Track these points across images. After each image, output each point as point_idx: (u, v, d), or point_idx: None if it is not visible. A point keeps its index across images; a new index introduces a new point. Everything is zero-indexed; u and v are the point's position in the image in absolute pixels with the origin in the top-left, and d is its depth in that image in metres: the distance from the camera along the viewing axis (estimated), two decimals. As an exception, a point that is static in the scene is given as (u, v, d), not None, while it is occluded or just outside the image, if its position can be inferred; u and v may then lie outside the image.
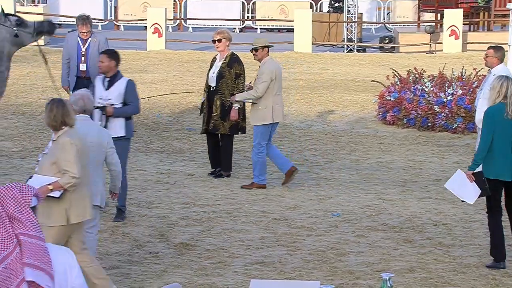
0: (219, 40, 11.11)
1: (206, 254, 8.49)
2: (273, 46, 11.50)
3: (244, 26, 29.07)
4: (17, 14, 9.54)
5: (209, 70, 11.33)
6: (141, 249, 8.55)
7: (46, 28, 9.20)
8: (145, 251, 8.51)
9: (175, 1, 28.74)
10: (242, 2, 28.84)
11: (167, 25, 25.27)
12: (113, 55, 9.20)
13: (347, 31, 24.96)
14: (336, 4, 26.34)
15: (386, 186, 11.13)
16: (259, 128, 10.75)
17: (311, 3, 28.28)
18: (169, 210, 9.84)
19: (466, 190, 8.24)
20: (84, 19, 11.91)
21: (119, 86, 9.18)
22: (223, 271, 8.06)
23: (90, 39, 11.88)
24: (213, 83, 11.16)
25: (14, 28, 8.93)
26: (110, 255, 8.39)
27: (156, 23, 23.62)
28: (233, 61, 11.15)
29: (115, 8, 28.38)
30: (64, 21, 27.53)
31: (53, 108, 6.76)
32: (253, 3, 28.75)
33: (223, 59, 11.14)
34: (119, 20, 27.80)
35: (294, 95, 17.49)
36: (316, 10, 27.93)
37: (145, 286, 7.66)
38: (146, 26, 24.51)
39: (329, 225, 9.51)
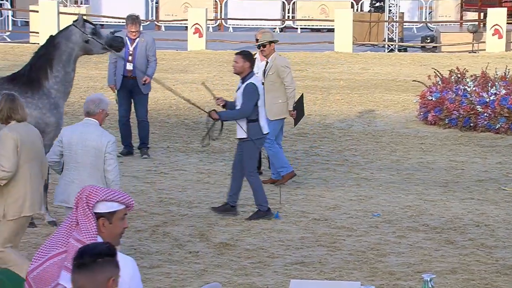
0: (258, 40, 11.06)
1: (245, 254, 8.49)
2: (278, 41, 11.45)
3: (285, 26, 29.04)
4: (93, 22, 9.69)
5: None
6: (182, 249, 8.58)
7: (117, 44, 9.34)
8: (185, 251, 8.54)
9: (216, 1, 28.82)
10: (283, 2, 28.81)
11: (208, 25, 25.35)
12: (247, 56, 9.40)
13: (388, 30, 24.80)
14: (377, 4, 26.19)
15: (427, 187, 11.04)
16: (273, 123, 10.67)
17: (352, 2, 28.16)
18: (209, 209, 9.86)
19: None
20: (134, 19, 12.04)
21: (242, 88, 9.41)
22: (263, 271, 8.05)
23: (138, 39, 11.98)
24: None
25: (89, 36, 9.09)
26: (150, 254, 8.44)
27: (196, 23, 23.70)
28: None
29: (157, 8, 28.53)
30: (106, 22, 27.75)
31: (1, 102, 6.90)
32: (294, 3, 28.70)
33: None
34: (160, 21, 27.95)
35: (334, 95, 17.43)
36: (357, 10, 27.79)
37: (185, 286, 7.68)
38: (187, 26, 24.60)
39: (369, 225, 9.45)
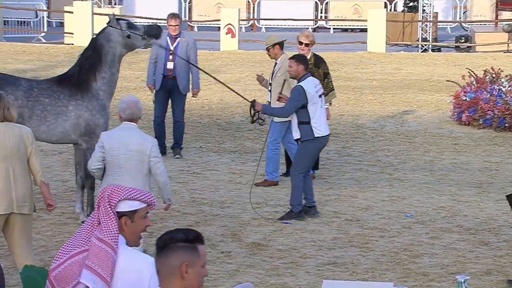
0: (307, 44, 10.95)
1: (278, 254, 8.48)
2: (285, 40, 11.42)
3: (317, 26, 28.98)
4: (124, 17, 9.78)
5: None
6: (214, 249, 8.59)
7: (155, 31, 9.37)
8: (218, 251, 8.54)
9: (249, 2, 28.84)
10: (316, 2, 28.76)
11: (240, 26, 25.37)
12: (300, 59, 9.48)
13: (422, 30, 24.65)
14: (411, 3, 26.06)
15: (461, 188, 10.94)
16: (279, 125, 10.66)
17: (385, 2, 28.03)
18: (241, 210, 9.86)
19: None
20: (174, 14, 12.23)
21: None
22: (295, 271, 8.04)
23: (179, 38, 12.03)
24: None
25: (127, 31, 9.16)
26: (182, 253, 8.45)
27: (229, 24, 23.74)
28: (319, 61, 11.12)
29: (189, 9, 28.63)
30: (139, 22, 27.89)
31: None
32: (327, 3, 28.63)
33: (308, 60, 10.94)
34: (193, 21, 28.04)
35: (367, 95, 17.35)
36: (391, 10, 27.66)
37: (217, 286, 7.69)
38: (219, 27, 24.65)
39: (402, 226, 9.39)
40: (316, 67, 11.04)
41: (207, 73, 11.38)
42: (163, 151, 12.39)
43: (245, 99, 10.66)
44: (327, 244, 8.77)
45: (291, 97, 9.47)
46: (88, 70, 9.08)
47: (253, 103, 9.79)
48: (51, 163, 11.71)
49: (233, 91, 10.85)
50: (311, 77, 9.63)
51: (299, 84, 9.39)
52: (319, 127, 9.40)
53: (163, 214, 9.59)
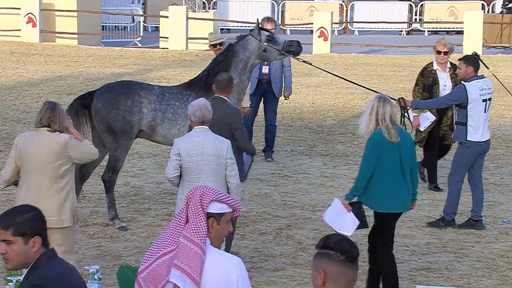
0: (446, 53, 10.53)
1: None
2: (223, 42, 11.40)
3: (411, 29, 28.60)
4: (268, 30, 9.70)
5: (434, 83, 10.45)
6: (305, 252, 8.55)
7: (294, 48, 9.34)
8: (309, 254, 8.50)
9: (342, 5, 28.70)
10: (410, 4, 28.39)
11: (333, 29, 25.26)
12: (469, 61, 9.07)
13: (520, 32, 24.03)
14: (510, 5, 25.43)
15: (561, 193, 10.60)
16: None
17: (482, 4, 27.45)
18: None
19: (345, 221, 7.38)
20: (269, 18, 12.33)
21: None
22: (387, 276, 7.92)
23: None
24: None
25: (264, 44, 9.18)
26: (274, 257, 8.44)
27: (322, 27, 23.67)
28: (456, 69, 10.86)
29: (282, 12, 28.70)
30: (233, 26, 28.12)
31: (42, 110, 6.78)
32: (422, 5, 28.23)
33: (447, 69, 10.58)
34: (285, 24, 28.09)
35: (462, 98, 16.99)
36: (488, 11, 27.06)
37: (308, 289, 7.65)
38: (312, 30, 24.61)
39: (499, 232, 9.15)
40: (456, 74, 10.63)
41: (331, 73, 11.00)
42: (248, 156, 12.44)
43: (391, 98, 10.27)
44: (420, 249, 8.62)
45: (451, 91, 9.15)
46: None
47: (398, 101, 8.90)
48: (145, 165, 11.89)
49: (373, 90, 10.30)
50: (483, 80, 9.11)
51: (463, 83, 9.04)
52: (476, 131, 9.01)
53: (255, 217, 9.62)
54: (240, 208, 4.19)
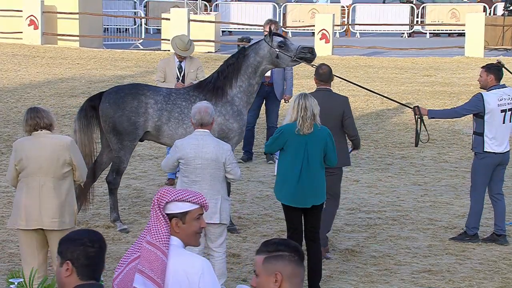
0: None
1: (371, 260, 8.38)
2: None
3: (413, 31, 28.61)
4: (283, 35, 9.56)
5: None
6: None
7: (308, 55, 9.26)
8: (310, 256, 8.49)
9: (343, 7, 28.71)
10: (411, 6, 28.40)
11: (335, 31, 25.27)
12: (491, 69, 8.85)
13: (522, 34, 24.03)
14: None
15: None
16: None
17: (484, 6, 27.45)
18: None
19: None
20: (272, 20, 12.23)
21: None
22: (389, 278, 7.92)
23: None
24: None
25: (277, 50, 9.14)
26: (275, 258, 8.43)
27: (323, 29, 23.68)
28: None
29: (284, 15, 28.70)
30: (234, 29, 28.13)
31: (25, 115, 6.81)
32: (423, 7, 28.24)
33: None
34: (287, 27, 28.09)
35: (464, 100, 16.97)
36: (490, 14, 27.07)
37: (310, 291, 7.64)
38: (313, 32, 24.62)
39: (500, 234, 9.14)
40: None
41: (351, 82, 10.97)
42: (250, 157, 12.45)
43: (406, 105, 10.13)
44: (422, 251, 8.62)
45: (468, 101, 8.91)
46: (226, 77, 9.13)
47: (414, 110, 8.87)
48: (147, 168, 11.90)
49: (391, 99, 10.19)
50: (504, 89, 8.82)
51: (481, 92, 8.81)
52: (493, 142, 8.76)
53: (256, 219, 9.62)
54: (206, 203, 4.19)
